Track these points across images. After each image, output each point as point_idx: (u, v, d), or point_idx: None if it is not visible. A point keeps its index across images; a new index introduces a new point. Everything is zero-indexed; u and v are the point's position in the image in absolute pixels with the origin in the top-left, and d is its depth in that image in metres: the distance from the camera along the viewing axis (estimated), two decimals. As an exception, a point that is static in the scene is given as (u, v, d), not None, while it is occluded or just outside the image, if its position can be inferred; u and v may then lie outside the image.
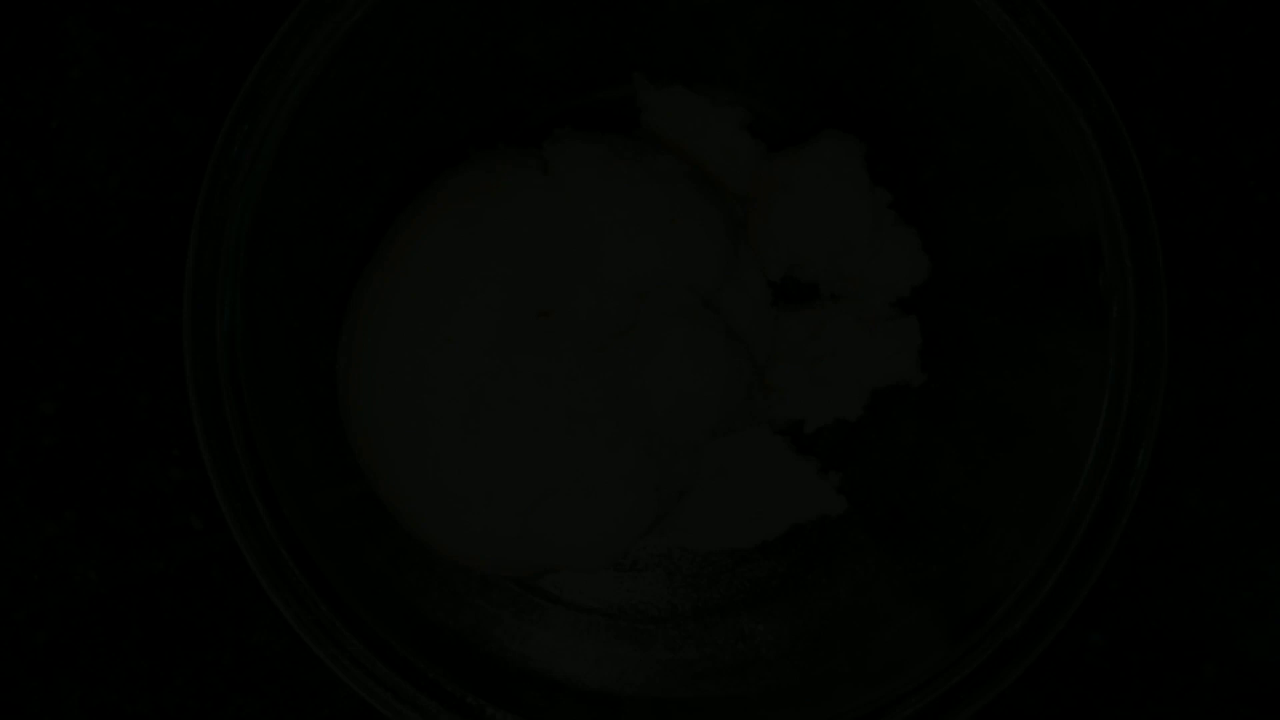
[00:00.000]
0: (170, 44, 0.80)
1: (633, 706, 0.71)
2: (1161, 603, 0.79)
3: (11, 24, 0.79)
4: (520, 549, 0.65)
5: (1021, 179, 0.70)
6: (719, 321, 0.65)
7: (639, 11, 0.76)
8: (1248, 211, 0.80)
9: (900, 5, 0.71)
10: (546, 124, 0.76)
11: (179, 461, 0.78)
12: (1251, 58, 0.80)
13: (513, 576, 0.74)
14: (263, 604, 0.77)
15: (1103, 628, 0.79)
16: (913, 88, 0.74)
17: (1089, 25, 0.81)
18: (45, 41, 0.79)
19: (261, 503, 0.63)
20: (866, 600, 0.74)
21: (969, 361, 0.75)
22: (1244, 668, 0.79)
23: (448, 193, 0.65)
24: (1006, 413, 0.72)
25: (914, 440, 0.77)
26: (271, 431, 0.65)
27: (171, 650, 0.78)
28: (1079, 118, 0.64)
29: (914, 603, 0.72)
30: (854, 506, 0.76)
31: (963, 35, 0.68)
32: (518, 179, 0.65)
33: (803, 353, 0.75)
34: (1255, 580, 0.79)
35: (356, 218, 0.73)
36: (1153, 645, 0.79)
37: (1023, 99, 0.67)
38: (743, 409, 0.67)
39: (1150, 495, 0.79)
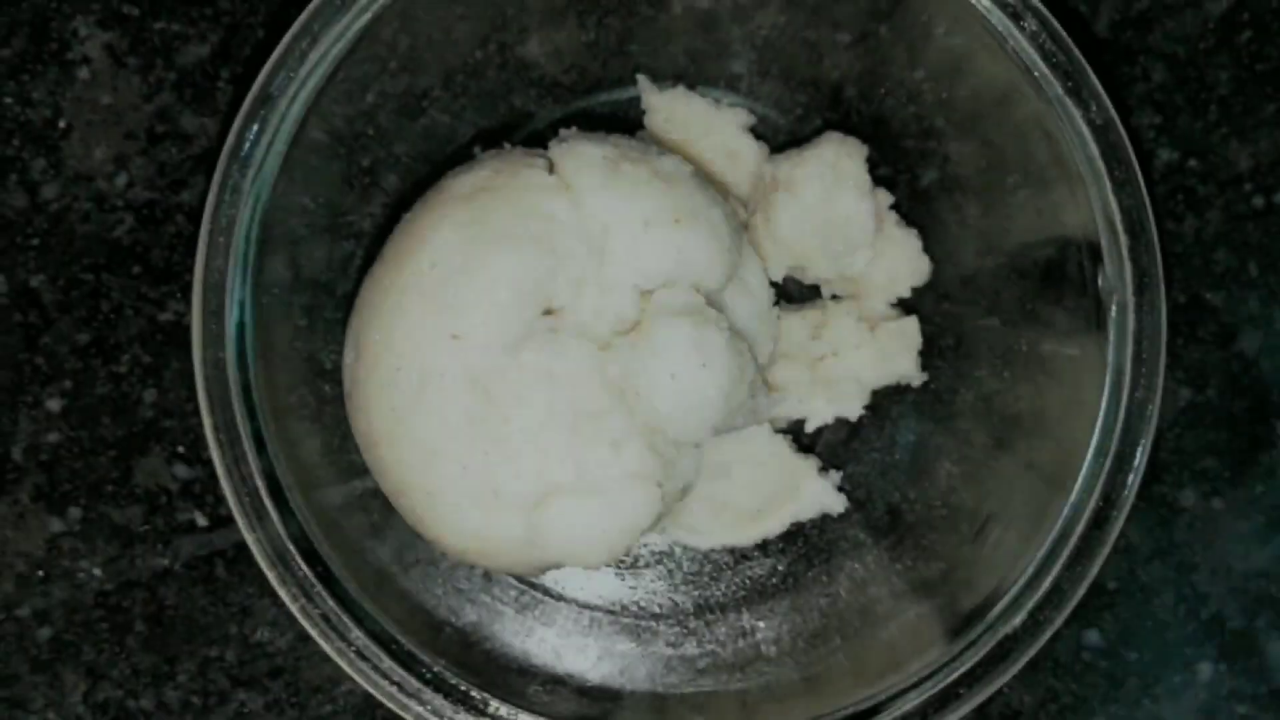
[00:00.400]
0: (178, 45, 0.80)
1: (634, 701, 0.72)
2: (1158, 602, 0.80)
3: (21, 24, 0.80)
4: (524, 546, 0.65)
5: (1021, 182, 0.71)
6: (722, 321, 0.65)
7: (643, 15, 0.77)
8: (1244, 215, 0.81)
9: (902, 9, 0.71)
10: (552, 126, 0.77)
11: (184, 458, 0.79)
12: (1248, 63, 0.81)
13: (516, 573, 0.75)
14: (266, 600, 0.78)
15: (1100, 626, 0.79)
16: (914, 91, 0.74)
17: (1088, 30, 0.81)
18: (54, 42, 0.80)
19: (269, 499, 0.64)
20: (866, 598, 0.75)
21: (968, 362, 0.75)
22: (1240, 667, 0.80)
23: (454, 193, 0.66)
24: (1005, 412, 0.73)
25: (914, 440, 0.77)
26: (279, 428, 0.66)
27: (175, 646, 0.78)
28: (1078, 121, 0.65)
29: (913, 600, 0.72)
30: (854, 505, 0.77)
31: (964, 39, 0.69)
32: (524, 179, 0.65)
33: (804, 352, 0.75)
34: (1251, 580, 0.80)
35: (363, 217, 0.74)
36: (1149, 644, 0.79)
37: (1023, 102, 0.67)
38: (745, 408, 0.68)
39: (1147, 494, 0.80)
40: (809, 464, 0.76)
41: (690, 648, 0.75)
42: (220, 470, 0.64)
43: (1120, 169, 0.65)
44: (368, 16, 0.66)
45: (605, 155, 0.66)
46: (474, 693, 0.65)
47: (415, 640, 0.66)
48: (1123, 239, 0.65)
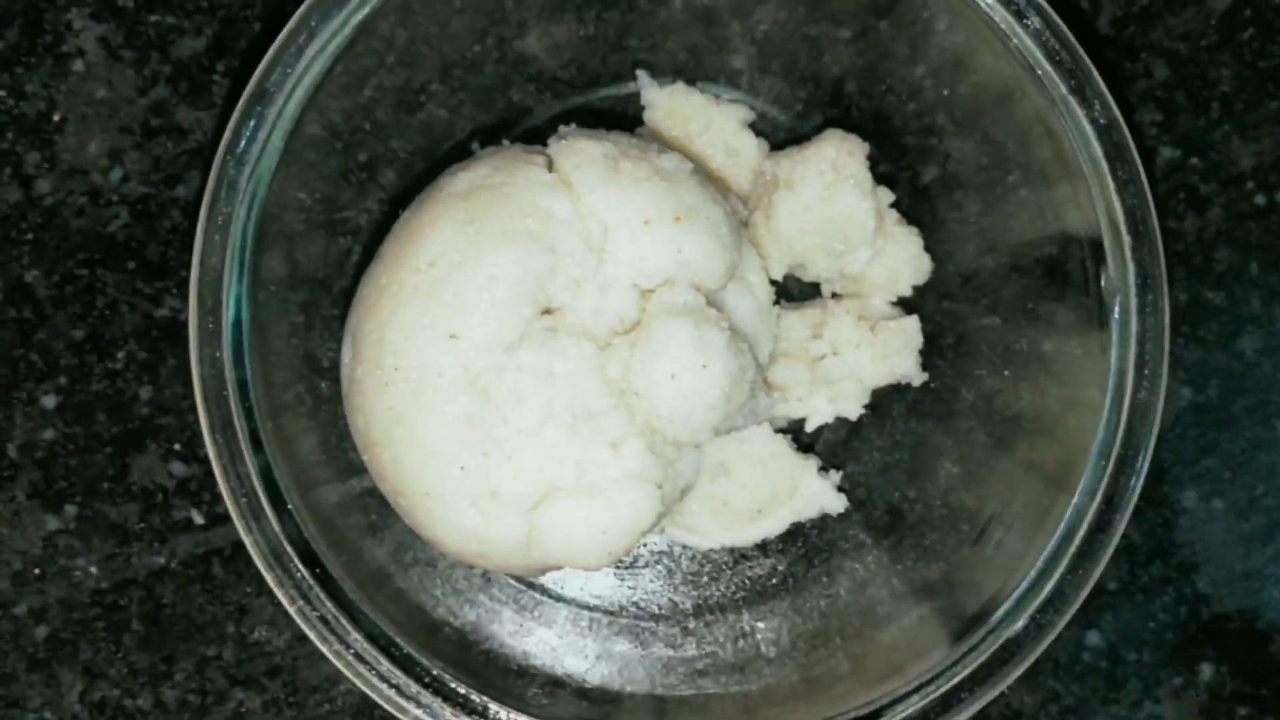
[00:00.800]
0: (173, 38, 0.79)
1: (633, 703, 0.71)
2: (1159, 603, 0.80)
3: (14, 16, 0.79)
4: (523, 547, 0.65)
5: (1023, 180, 0.70)
6: (722, 320, 0.65)
7: (643, 9, 0.76)
8: (1246, 213, 0.81)
9: (903, 5, 0.71)
10: (551, 122, 0.76)
11: (180, 456, 0.78)
12: (1250, 60, 0.81)
13: (515, 574, 0.74)
14: (264, 599, 0.78)
15: (1100, 627, 0.79)
16: (915, 88, 0.74)
17: (1089, 27, 0.81)
18: (49, 35, 0.79)
19: (266, 499, 0.63)
20: (866, 599, 0.74)
21: (969, 361, 0.75)
22: (1240, 668, 0.79)
23: (452, 191, 0.65)
24: (1006, 412, 0.73)
25: (914, 440, 0.77)
26: (275, 426, 0.65)
27: (172, 645, 0.78)
28: (1082, 120, 0.65)
29: (913, 602, 0.72)
30: (854, 505, 0.77)
31: (965, 36, 0.68)
32: (522, 177, 0.65)
33: (804, 351, 0.75)
34: (1251, 581, 0.80)
35: (361, 213, 0.73)
36: (1150, 645, 0.79)
37: (1025, 100, 0.67)
38: (745, 408, 0.67)
39: (1147, 495, 0.79)
40: (809, 464, 0.75)
41: (689, 649, 0.75)
42: (217, 469, 0.64)
43: (1124, 169, 0.64)
44: (365, 10, 0.65)
45: (605, 153, 0.66)
46: (473, 696, 0.65)
47: (413, 641, 0.65)
48: (1126, 240, 0.64)
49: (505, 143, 0.71)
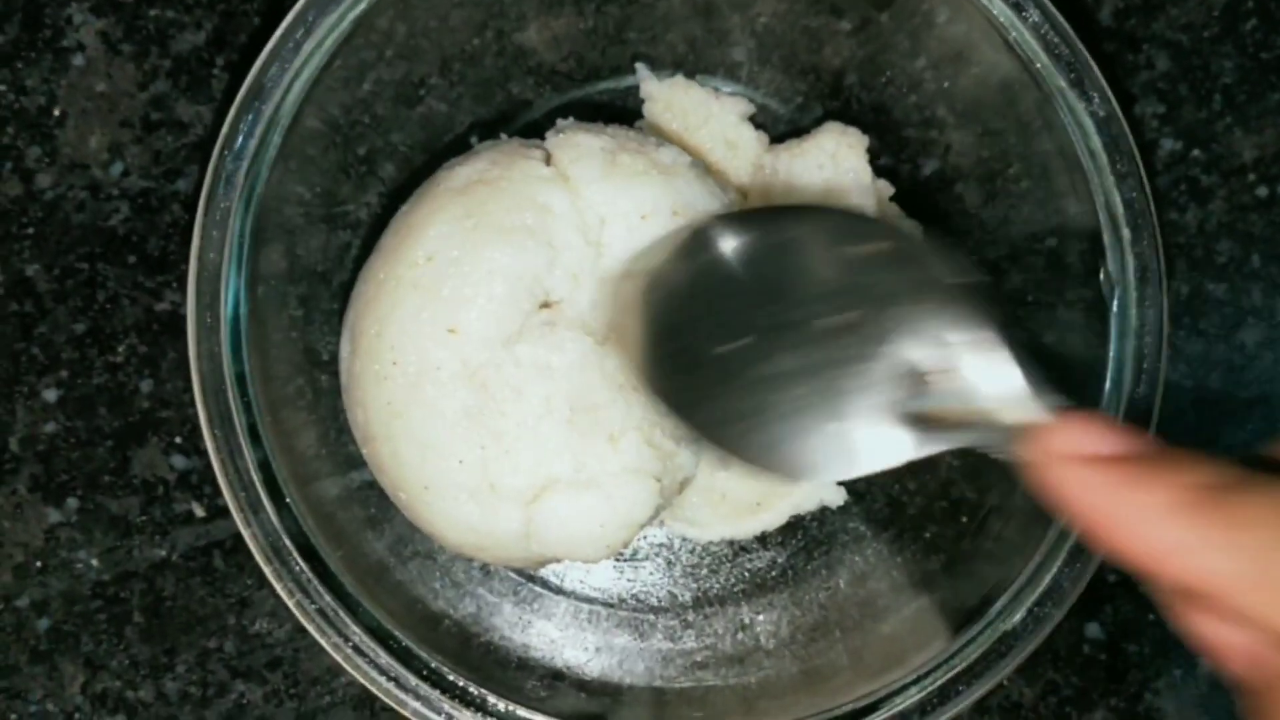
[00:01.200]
0: (173, 32, 0.80)
1: (632, 695, 0.72)
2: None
3: (14, 11, 0.79)
4: (521, 540, 0.65)
5: (1024, 172, 0.70)
6: (720, 314, 0.65)
7: (642, 2, 0.76)
8: (1248, 205, 0.80)
9: (903, -2, 0.71)
10: (549, 115, 0.76)
11: (181, 449, 0.78)
12: (1253, 52, 0.81)
13: (514, 566, 0.75)
14: (264, 591, 0.78)
15: (1100, 619, 0.79)
16: (916, 80, 0.74)
17: (1090, 18, 0.81)
18: (48, 29, 0.79)
19: (265, 492, 0.64)
20: (865, 591, 0.74)
21: (969, 354, 0.75)
22: (1239, 659, 0.79)
23: (450, 185, 0.65)
24: (1006, 405, 0.72)
25: (914, 432, 0.77)
26: (275, 420, 0.65)
27: (173, 637, 0.78)
28: (1081, 113, 0.64)
29: (913, 594, 0.72)
30: (853, 497, 0.77)
31: (965, 28, 0.68)
32: (520, 171, 0.65)
33: (804, 345, 0.75)
34: (1252, 573, 0.79)
35: (360, 207, 0.73)
36: (1150, 637, 0.79)
37: (1025, 93, 0.67)
38: (743, 401, 0.67)
39: (1148, 488, 0.79)
40: (808, 457, 0.75)
41: (689, 641, 0.75)
42: (216, 463, 0.64)
43: (1122, 162, 0.64)
44: (363, 5, 0.65)
45: (603, 146, 0.66)
46: (472, 688, 0.65)
47: (413, 634, 0.65)
48: (1125, 233, 0.64)
49: (504, 136, 0.71)
